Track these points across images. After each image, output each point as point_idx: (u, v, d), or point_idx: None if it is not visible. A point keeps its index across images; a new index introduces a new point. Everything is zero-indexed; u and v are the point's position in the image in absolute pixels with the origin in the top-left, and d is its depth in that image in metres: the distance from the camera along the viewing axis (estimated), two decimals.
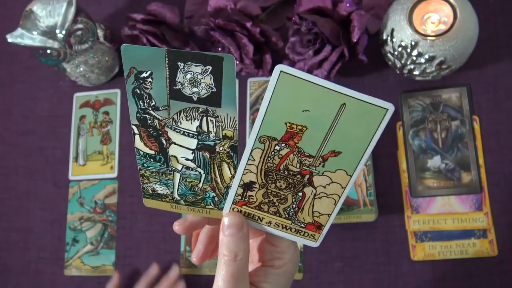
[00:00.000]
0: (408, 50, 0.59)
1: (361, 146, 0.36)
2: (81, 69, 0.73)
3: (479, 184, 0.63)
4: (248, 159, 0.39)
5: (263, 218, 0.41)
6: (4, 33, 0.68)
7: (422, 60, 0.59)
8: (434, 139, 0.65)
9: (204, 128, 0.40)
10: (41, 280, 0.75)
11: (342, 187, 0.38)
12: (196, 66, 0.37)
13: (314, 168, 0.38)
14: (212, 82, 0.37)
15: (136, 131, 0.41)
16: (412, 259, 0.63)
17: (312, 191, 0.39)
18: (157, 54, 0.37)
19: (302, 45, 0.66)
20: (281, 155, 0.38)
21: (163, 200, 0.44)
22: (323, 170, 0.38)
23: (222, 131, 0.39)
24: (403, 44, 0.59)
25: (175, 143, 0.41)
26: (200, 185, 0.42)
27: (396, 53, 0.60)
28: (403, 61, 0.61)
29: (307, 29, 0.64)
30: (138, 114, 0.40)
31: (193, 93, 0.38)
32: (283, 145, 0.38)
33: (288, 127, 0.37)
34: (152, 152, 0.42)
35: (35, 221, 0.77)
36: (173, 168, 0.42)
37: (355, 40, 0.62)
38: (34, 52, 0.69)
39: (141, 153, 0.42)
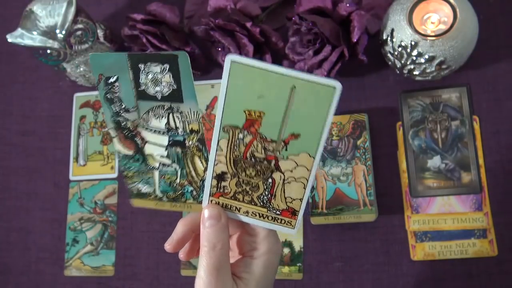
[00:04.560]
0: (408, 50, 0.59)
1: (318, 127, 0.37)
2: (81, 69, 0.73)
3: (479, 184, 0.63)
4: (217, 150, 0.40)
5: (240, 208, 0.42)
6: (4, 33, 0.68)
7: (422, 60, 0.59)
8: (434, 139, 0.65)
9: (172, 124, 0.42)
10: (41, 280, 0.75)
11: (308, 170, 0.39)
12: (155, 66, 0.39)
13: (278, 153, 0.39)
14: (172, 79, 0.39)
15: (113, 134, 0.43)
16: (412, 259, 0.63)
17: (280, 176, 0.40)
18: (120, 59, 0.39)
19: (302, 45, 0.66)
20: (246, 142, 0.39)
21: (148, 198, 0.46)
22: (286, 154, 0.39)
23: (188, 125, 0.41)
24: (403, 44, 0.59)
25: (149, 142, 0.43)
26: (178, 180, 0.44)
27: (396, 53, 0.60)
28: (403, 61, 0.61)
29: (307, 29, 0.64)
30: (112, 118, 0.42)
31: (157, 92, 0.40)
32: (245, 132, 0.39)
33: (247, 114, 0.38)
34: (131, 152, 0.44)
35: (35, 221, 0.77)
36: (151, 167, 0.44)
37: (355, 40, 0.62)
38: (34, 52, 0.69)
39: (122, 155, 0.44)
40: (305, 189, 0.40)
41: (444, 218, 0.63)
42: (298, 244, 0.67)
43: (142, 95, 0.41)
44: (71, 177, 0.77)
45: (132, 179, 0.45)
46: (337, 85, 0.35)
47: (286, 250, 0.67)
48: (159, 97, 0.40)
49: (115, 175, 0.75)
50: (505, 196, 0.62)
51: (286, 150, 0.39)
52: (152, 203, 0.46)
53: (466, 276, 0.62)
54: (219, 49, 0.70)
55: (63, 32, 0.67)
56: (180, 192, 0.44)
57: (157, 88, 0.40)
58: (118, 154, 0.44)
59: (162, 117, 0.41)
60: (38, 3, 0.68)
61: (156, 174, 0.44)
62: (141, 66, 0.39)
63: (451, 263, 0.63)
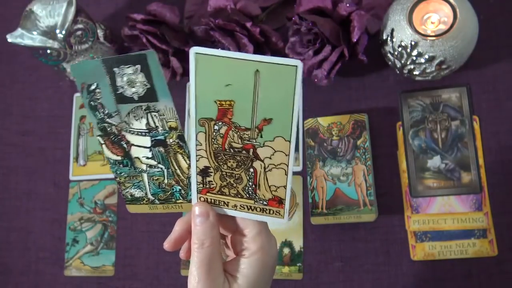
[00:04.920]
0: (408, 50, 0.59)
1: (287, 109, 0.37)
2: None
3: (479, 184, 0.63)
4: (196, 145, 0.40)
5: (228, 202, 0.43)
6: (4, 33, 0.68)
7: (422, 60, 0.59)
8: (434, 139, 0.65)
9: (152, 124, 0.42)
10: (41, 280, 0.75)
11: (286, 155, 0.39)
12: (127, 68, 0.40)
13: (254, 141, 0.39)
14: (145, 79, 0.40)
15: (101, 141, 0.44)
16: (412, 259, 0.63)
17: (261, 164, 0.40)
18: (97, 65, 0.40)
19: (302, 45, 0.66)
20: (222, 134, 0.40)
21: (141, 203, 0.46)
22: (262, 140, 0.39)
23: (167, 123, 0.42)
24: (403, 44, 0.59)
25: (134, 145, 0.43)
26: (166, 181, 0.44)
27: (396, 53, 0.60)
28: (403, 61, 0.61)
29: (307, 29, 0.64)
30: (99, 125, 0.43)
31: (133, 93, 0.41)
32: (220, 123, 0.39)
33: (219, 105, 0.38)
34: (119, 157, 0.44)
35: (35, 221, 0.77)
36: (140, 169, 0.44)
37: (355, 40, 0.62)
38: (34, 52, 0.69)
39: (112, 161, 0.45)
40: (287, 175, 0.40)
41: (444, 218, 0.63)
42: (298, 244, 0.67)
43: (121, 98, 0.41)
44: (71, 177, 0.77)
45: (125, 184, 0.46)
46: (298, 63, 0.35)
47: (286, 250, 0.67)
48: (136, 98, 0.41)
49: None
50: (505, 196, 0.62)
51: (261, 137, 0.39)
52: (146, 208, 0.47)
53: (466, 276, 0.62)
54: (219, 49, 0.69)
55: (63, 32, 0.67)
56: (169, 192, 0.45)
57: (133, 89, 0.40)
58: (109, 161, 0.45)
59: (142, 117, 0.42)
60: (38, 3, 0.68)
61: (145, 176, 0.45)
62: (116, 69, 0.40)
63: (451, 263, 0.63)
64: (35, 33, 0.67)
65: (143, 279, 0.71)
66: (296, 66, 0.35)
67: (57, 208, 0.76)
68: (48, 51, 0.69)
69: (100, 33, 0.74)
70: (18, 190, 0.79)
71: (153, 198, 0.46)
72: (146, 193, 0.46)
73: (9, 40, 0.67)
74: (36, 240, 0.76)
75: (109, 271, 0.72)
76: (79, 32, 0.69)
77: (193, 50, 0.36)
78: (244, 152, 0.40)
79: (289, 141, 0.39)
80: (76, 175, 0.76)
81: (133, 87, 0.40)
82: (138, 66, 0.39)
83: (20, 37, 0.67)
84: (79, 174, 0.76)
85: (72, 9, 0.67)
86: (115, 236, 0.73)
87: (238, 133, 0.39)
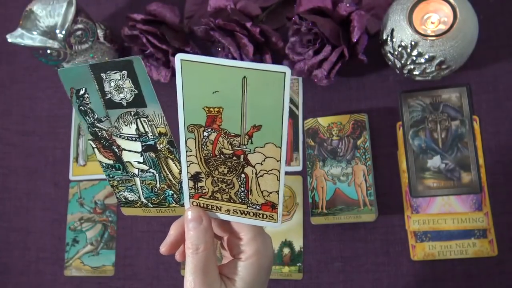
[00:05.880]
0: (408, 50, 0.59)
1: (277, 115, 0.37)
2: None
3: (479, 184, 0.63)
4: (186, 151, 0.40)
5: (221, 207, 0.42)
6: (4, 33, 0.68)
7: (422, 60, 0.59)
8: (434, 139, 0.65)
9: (141, 129, 0.42)
10: (41, 280, 0.75)
11: (277, 161, 0.39)
12: (114, 73, 0.39)
13: (244, 147, 0.39)
14: (132, 85, 0.39)
15: (93, 145, 0.44)
16: (412, 259, 0.63)
17: (252, 170, 0.40)
18: (84, 71, 0.40)
19: (302, 45, 0.66)
20: (211, 140, 0.39)
21: (135, 206, 0.47)
22: (253, 147, 0.39)
23: (156, 129, 0.42)
24: (403, 44, 0.59)
25: (125, 149, 0.43)
26: (158, 185, 0.44)
27: (396, 53, 0.60)
28: (403, 61, 0.61)
29: (307, 29, 0.64)
30: (89, 129, 0.43)
31: (121, 99, 0.41)
32: (209, 130, 0.39)
33: (207, 112, 0.38)
34: (111, 161, 0.44)
35: (35, 221, 0.77)
36: (132, 174, 0.45)
37: (355, 40, 0.62)
38: (34, 52, 0.69)
39: (104, 164, 0.45)
40: (279, 180, 0.40)
41: (444, 218, 0.63)
42: (298, 244, 0.67)
43: (110, 104, 0.41)
44: (71, 177, 0.77)
45: (118, 188, 0.46)
46: (286, 70, 0.35)
47: (286, 250, 0.67)
48: (125, 104, 0.41)
49: None
50: (505, 196, 0.62)
51: (251, 143, 0.39)
52: (140, 211, 0.47)
53: (466, 276, 0.62)
54: (219, 49, 0.70)
55: (63, 32, 0.67)
56: (162, 196, 0.45)
57: (121, 95, 0.40)
58: (101, 164, 0.45)
59: (131, 123, 0.42)
60: (38, 3, 0.68)
61: (138, 180, 0.45)
62: (103, 75, 0.40)
63: (451, 263, 0.63)
64: (35, 33, 0.67)
65: (143, 279, 0.71)
66: (284, 72, 0.35)
67: (57, 208, 0.76)
68: (48, 51, 0.69)
69: (100, 33, 0.74)
70: (18, 190, 0.79)
71: (146, 202, 0.46)
72: (139, 197, 0.46)
73: (9, 40, 0.67)
74: (36, 240, 0.76)
75: (109, 271, 0.72)
76: (79, 32, 0.69)
77: (179, 57, 0.36)
78: (235, 158, 0.40)
79: (280, 147, 0.38)
80: (76, 175, 0.76)
81: (121, 92, 0.40)
82: (125, 72, 0.39)
83: (20, 37, 0.67)
84: (79, 174, 0.76)
85: (72, 9, 0.67)
86: (115, 236, 0.73)
87: (228, 139, 0.39)
